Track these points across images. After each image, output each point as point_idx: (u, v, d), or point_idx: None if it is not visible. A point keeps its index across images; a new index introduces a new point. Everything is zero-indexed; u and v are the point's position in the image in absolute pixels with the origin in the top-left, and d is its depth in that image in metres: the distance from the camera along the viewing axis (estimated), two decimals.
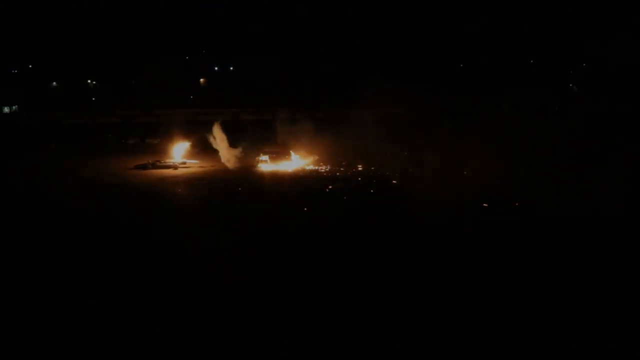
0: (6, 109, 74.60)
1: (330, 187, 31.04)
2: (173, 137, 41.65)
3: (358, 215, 24.99)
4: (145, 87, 70.96)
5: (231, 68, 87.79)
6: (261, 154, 38.32)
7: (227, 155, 38.81)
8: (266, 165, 37.66)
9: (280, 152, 39.03)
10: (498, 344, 13.31)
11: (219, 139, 39.21)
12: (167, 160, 38.95)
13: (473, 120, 37.01)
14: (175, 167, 37.81)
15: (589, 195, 24.53)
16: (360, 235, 21.57)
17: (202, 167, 38.45)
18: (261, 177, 34.94)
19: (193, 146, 41.85)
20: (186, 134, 43.49)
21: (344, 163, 37.73)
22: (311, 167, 37.47)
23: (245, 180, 33.27)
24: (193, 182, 33.62)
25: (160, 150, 42.42)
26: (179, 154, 40.00)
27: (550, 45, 66.51)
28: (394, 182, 32.18)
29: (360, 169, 36.21)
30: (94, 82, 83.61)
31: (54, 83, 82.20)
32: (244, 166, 37.61)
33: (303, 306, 15.29)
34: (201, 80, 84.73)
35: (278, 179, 34.03)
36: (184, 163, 38.83)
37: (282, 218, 24.35)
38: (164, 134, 49.92)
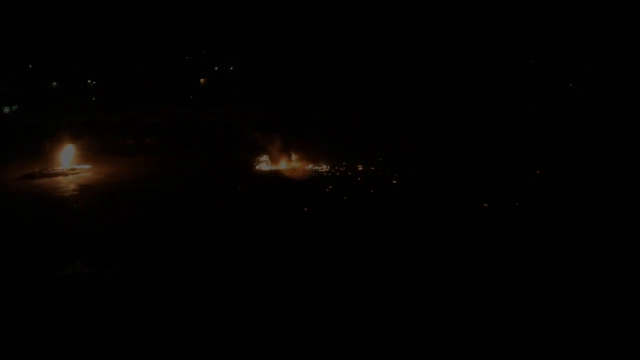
0: (6, 109, 74.66)
1: (330, 187, 31.02)
2: (62, 141, 38.14)
3: (358, 215, 24.96)
4: (145, 87, 71.18)
5: (231, 68, 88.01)
6: (261, 154, 38.34)
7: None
8: (266, 165, 37.65)
9: (280, 152, 38.97)
10: (498, 346, 13.27)
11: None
12: (56, 167, 36.15)
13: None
14: (65, 174, 35.22)
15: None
16: (360, 235, 21.56)
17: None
18: (260, 177, 34.88)
19: (82, 150, 39.30)
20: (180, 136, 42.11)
21: (344, 163, 37.69)
22: (311, 166, 37.41)
23: (244, 181, 33.24)
24: (170, 181, 33.27)
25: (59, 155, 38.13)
26: (67, 159, 37.33)
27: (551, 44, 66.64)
28: (394, 182, 32.14)
29: (360, 168, 36.16)
30: (94, 82, 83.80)
31: (54, 83, 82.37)
32: (248, 167, 37.38)
33: (303, 307, 15.27)
34: (201, 80, 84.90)
35: (277, 179, 33.98)
36: (73, 169, 36.31)
37: (282, 218, 24.33)
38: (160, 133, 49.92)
